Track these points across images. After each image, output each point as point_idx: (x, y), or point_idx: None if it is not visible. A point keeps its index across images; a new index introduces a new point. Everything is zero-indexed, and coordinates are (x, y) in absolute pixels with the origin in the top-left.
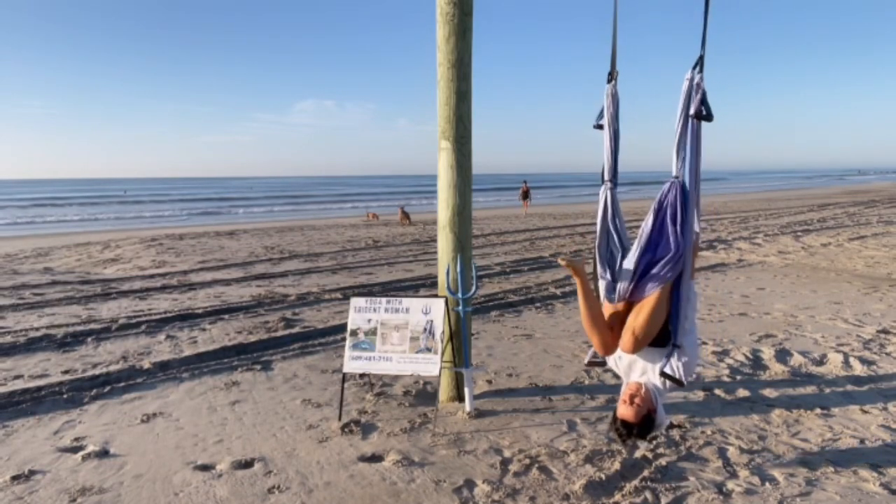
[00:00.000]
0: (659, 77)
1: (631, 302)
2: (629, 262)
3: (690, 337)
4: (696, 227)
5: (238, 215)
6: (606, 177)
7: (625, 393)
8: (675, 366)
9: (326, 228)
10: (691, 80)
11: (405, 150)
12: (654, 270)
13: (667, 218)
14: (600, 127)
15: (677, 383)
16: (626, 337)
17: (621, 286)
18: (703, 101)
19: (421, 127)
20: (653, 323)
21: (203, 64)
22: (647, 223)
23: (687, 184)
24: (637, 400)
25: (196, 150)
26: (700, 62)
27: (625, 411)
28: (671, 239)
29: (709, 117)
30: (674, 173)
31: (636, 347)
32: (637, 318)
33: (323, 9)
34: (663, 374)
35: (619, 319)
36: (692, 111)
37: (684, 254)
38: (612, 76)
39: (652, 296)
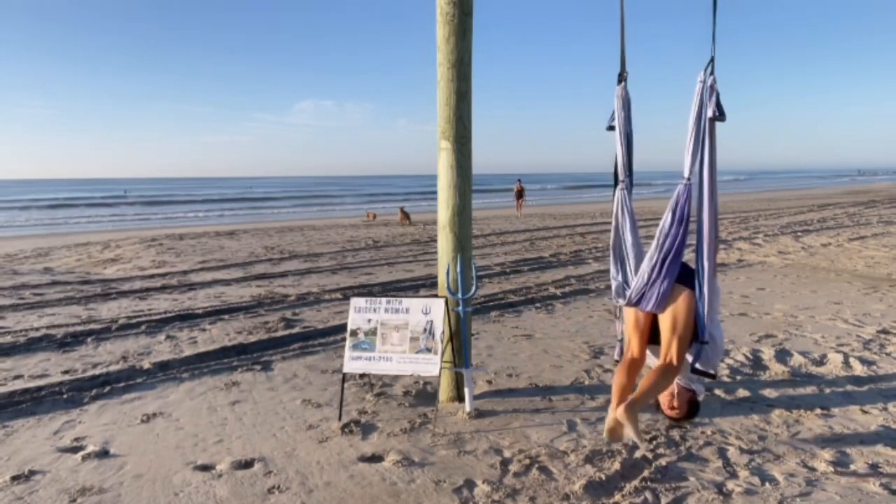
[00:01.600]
0: (668, 78)
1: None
2: (645, 265)
3: (719, 329)
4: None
5: (239, 215)
6: (620, 177)
7: (664, 403)
8: (706, 361)
9: (326, 228)
10: (704, 81)
11: (405, 151)
12: (661, 275)
13: (682, 223)
14: (613, 128)
15: (710, 377)
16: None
17: (633, 290)
18: (717, 103)
19: (420, 127)
20: (685, 344)
21: (202, 64)
22: (663, 229)
23: (705, 184)
24: (676, 405)
25: (195, 151)
26: (711, 63)
27: (673, 414)
28: (680, 243)
29: (722, 117)
30: (685, 175)
31: (680, 364)
32: (670, 346)
33: (321, 9)
34: (695, 371)
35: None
36: (709, 113)
37: (701, 252)
38: (622, 77)
39: (667, 319)
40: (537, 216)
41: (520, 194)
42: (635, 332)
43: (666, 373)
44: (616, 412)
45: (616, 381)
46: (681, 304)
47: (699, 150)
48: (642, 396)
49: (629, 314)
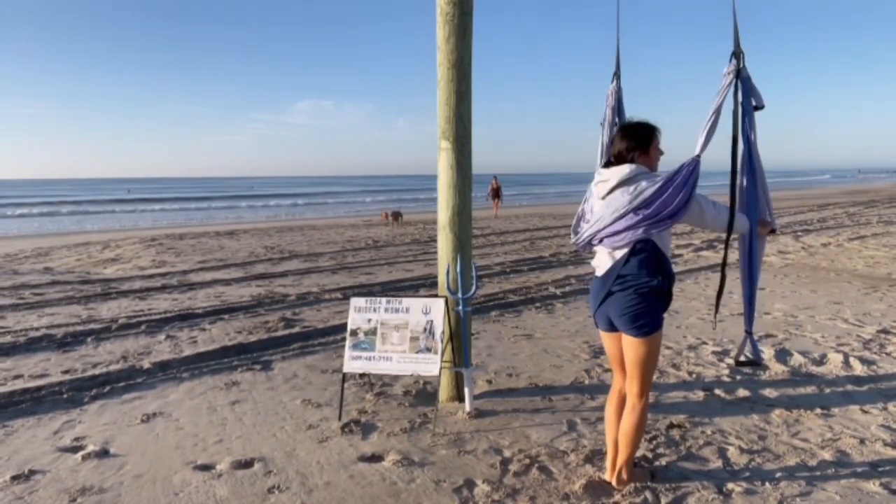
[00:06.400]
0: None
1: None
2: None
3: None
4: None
5: (238, 215)
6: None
7: None
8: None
9: (326, 228)
10: (735, 72)
11: (404, 151)
12: (635, 219)
13: (675, 191)
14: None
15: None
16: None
17: (595, 225)
18: (746, 91)
19: (420, 127)
20: (648, 380)
21: (201, 64)
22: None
23: (756, 173)
24: None
25: (195, 151)
26: (735, 55)
27: None
28: (669, 201)
29: (759, 107)
30: (696, 152)
31: (645, 400)
32: (634, 383)
33: (320, 8)
34: (739, 363)
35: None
36: (755, 103)
37: (667, 219)
38: (616, 75)
39: (629, 353)
40: (537, 216)
41: (496, 193)
42: (615, 363)
43: (639, 416)
44: (612, 482)
45: (607, 423)
46: (641, 347)
47: (713, 132)
48: (629, 454)
49: (607, 343)
